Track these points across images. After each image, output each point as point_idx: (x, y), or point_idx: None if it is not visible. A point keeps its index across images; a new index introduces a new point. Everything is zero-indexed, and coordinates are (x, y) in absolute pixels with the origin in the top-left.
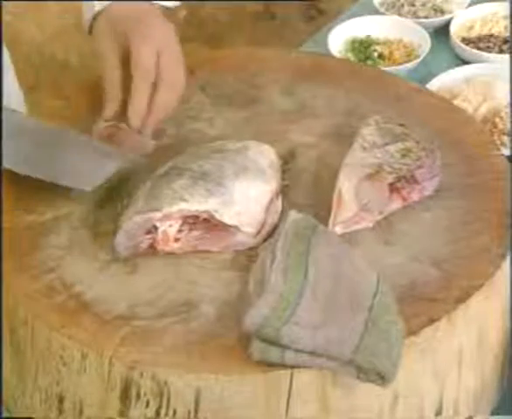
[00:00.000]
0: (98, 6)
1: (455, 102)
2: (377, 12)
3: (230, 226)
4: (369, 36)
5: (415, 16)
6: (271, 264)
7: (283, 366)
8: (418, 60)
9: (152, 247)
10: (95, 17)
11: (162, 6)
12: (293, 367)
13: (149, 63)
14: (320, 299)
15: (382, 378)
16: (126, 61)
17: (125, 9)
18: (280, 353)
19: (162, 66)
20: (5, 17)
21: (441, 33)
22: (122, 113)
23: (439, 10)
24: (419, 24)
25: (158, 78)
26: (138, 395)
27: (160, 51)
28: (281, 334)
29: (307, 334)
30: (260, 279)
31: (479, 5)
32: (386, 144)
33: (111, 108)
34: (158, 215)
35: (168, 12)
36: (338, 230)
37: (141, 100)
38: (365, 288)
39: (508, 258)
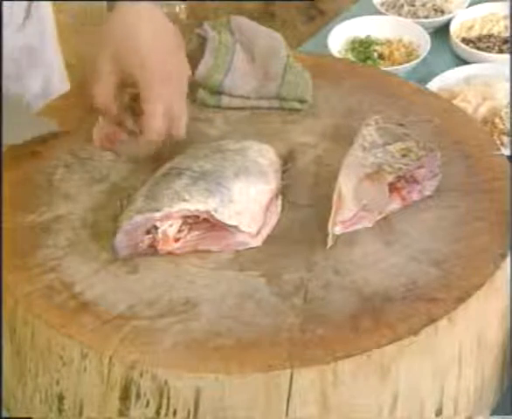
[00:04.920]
0: None
1: (455, 102)
2: (377, 12)
3: (230, 226)
4: (369, 36)
5: (415, 16)
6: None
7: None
8: (418, 60)
9: (152, 247)
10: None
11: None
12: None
13: (161, 130)
14: (247, 51)
15: (301, 102)
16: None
17: (146, 28)
18: (217, 100)
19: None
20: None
21: (441, 33)
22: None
23: (439, 10)
24: (419, 23)
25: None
26: (138, 395)
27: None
28: (223, 85)
29: (243, 82)
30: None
31: (479, 5)
32: (386, 144)
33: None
34: (158, 215)
35: (168, 12)
36: (338, 229)
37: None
38: (279, 42)
39: (508, 258)
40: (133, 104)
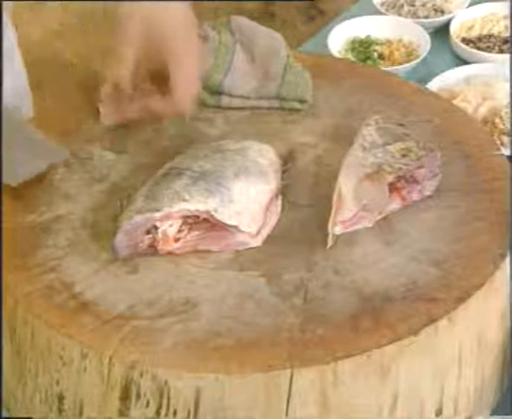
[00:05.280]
0: None
1: (455, 102)
2: (377, 12)
3: (230, 226)
4: (369, 36)
5: (415, 16)
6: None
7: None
8: (418, 60)
9: (152, 247)
10: None
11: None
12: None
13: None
14: (247, 51)
15: (301, 102)
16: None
17: (165, 15)
18: (217, 100)
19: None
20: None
21: (441, 33)
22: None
23: (439, 10)
24: (419, 23)
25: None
26: (138, 395)
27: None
28: (223, 85)
29: (243, 82)
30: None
31: (479, 5)
32: (386, 144)
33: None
34: (158, 215)
35: None
36: (338, 229)
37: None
38: (279, 42)
39: (508, 258)
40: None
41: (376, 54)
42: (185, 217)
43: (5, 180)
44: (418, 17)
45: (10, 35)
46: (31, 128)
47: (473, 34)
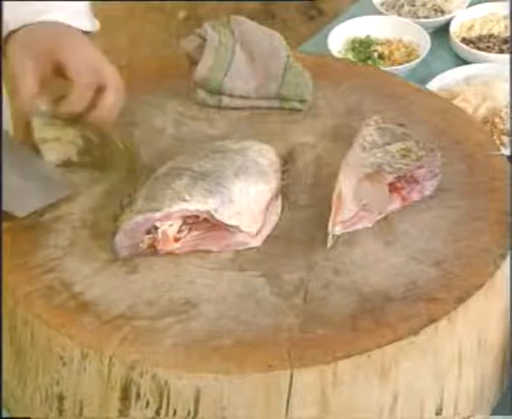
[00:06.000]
0: (12, 25)
1: (455, 102)
2: (377, 12)
3: (230, 226)
4: (369, 36)
5: (415, 16)
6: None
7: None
8: (418, 60)
9: (152, 247)
10: (8, 37)
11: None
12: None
13: (90, 77)
14: (247, 52)
15: (301, 102)
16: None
17: (43, 27)
18: (217, 100)
19: (103, 74)
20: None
21: (441, 33)
22: None
23: (439, 10)
24: (419, 23)
25: (99, 84)
26: (138, 395)
27: (93, 62)
28: (223, 85)
29: (243, 82)
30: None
31: (479, 5)
32: (386, 144)
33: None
34: (158, 215)
35: (167, 12)
36: (338, 229)
37: (79, 100)
38: (279, 42)
39: (508, 258)
40: None
41: (376, 54)
42: (185, 217)
43: (11, 209)
44: (418, 17)
45: None
46: (40, 161)
47: (473, 34)
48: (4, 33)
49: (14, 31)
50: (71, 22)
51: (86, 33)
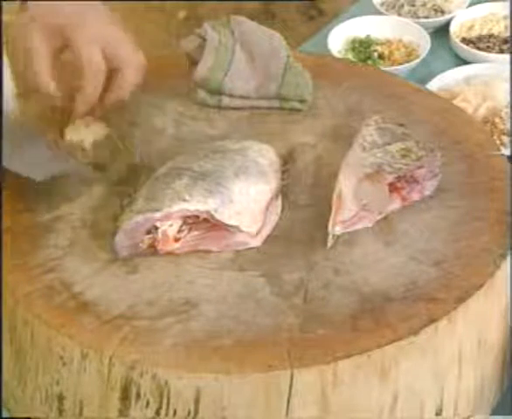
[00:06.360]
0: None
1: (455, 102)
2: (377, 12)
3: (230, 226)
4: (369, 36)
5: (415, 16)
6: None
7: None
8: (418, 60)
9: (152, 247)
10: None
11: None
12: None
13: (99, 63)
14: (247, 52)
15: (301, 102)
16: (57, 54)
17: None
18: (217, 100)
19: (116, 54)
20: (5, 17)
21: (441, 33)
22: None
23: (439, 10)
24: (419, 23)
25: (116, 65)
26: (138, 395)
27: (105, 42)
28: (223, 85)
29: (243, 82)
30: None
31: (479, 5)
32: (386, 144)
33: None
34: (158, 215)
35: (167, 12)
36: (338, 229)
37: (93, 91)
38: (279, 42)
39: (508, 258)
40: None
41: (376, 54)
42: (185, 217)
43: (28, 174)
44: (418, 17)
45: None
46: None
47: (473, 34)
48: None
49: None
50: None
51: None
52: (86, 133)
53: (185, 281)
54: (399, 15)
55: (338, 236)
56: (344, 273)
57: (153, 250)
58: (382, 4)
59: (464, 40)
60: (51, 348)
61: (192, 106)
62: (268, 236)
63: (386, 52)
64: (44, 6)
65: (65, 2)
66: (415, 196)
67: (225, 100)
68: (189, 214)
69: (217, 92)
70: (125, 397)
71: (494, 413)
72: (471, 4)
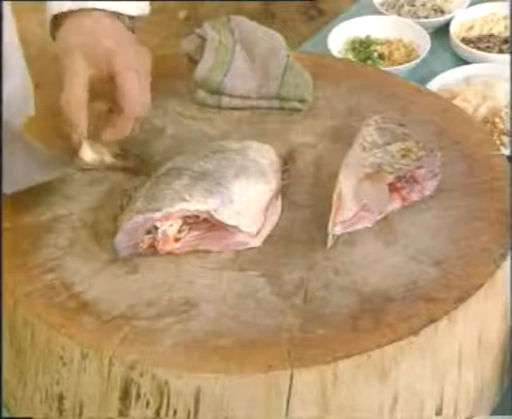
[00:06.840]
0: (68, 5)
1: (455, 102)
2: (377, 12)
3: (230, 226)
4: (369, 36)
5: (415, 16)
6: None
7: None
8: (418, 60)
9: (152, 247)
10: (63, 18)
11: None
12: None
13: (137, 101)
14: (247, 52)
15: (301, 102)
16: (97, 80)
17: (105, 29)
18: (217, 100)
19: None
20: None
21: (441, 33)
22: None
23: (439, 10)
24: (419, 23)
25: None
26: (138, 395)
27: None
28: (223, 85)
29: (243, 82)
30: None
31: (479, 5)
32: (386, 144)
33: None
34: (158, 215)
35: (167, 12)
36: (338, 229)
37: (124, 130)
38: (279, 42)
39: (508, 258)
40: None
41: (376, 54)
42: (185, 217)
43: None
44: (418, 17)
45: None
46: (29, 140)
47: (473, 34)
48: (57, 11)
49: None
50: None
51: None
52: (102, 148)
53: (185, 281)
54: (399, 15)
55: (338, 237)
56: (344, 273)
57: (153, 250)
58: (382, 4)
59: (464, 40)
60: (51, 348)
61: (192, 105)
62: (268, 236)
63: (386, 52)
64: (85, 36)
65: (103, 33)
66: (415, 196)
67: (225, 100)
68: (189, 214)
69: (217, 92)
70: (125, 397)
71: (494, 413)
72: (471, 4)
